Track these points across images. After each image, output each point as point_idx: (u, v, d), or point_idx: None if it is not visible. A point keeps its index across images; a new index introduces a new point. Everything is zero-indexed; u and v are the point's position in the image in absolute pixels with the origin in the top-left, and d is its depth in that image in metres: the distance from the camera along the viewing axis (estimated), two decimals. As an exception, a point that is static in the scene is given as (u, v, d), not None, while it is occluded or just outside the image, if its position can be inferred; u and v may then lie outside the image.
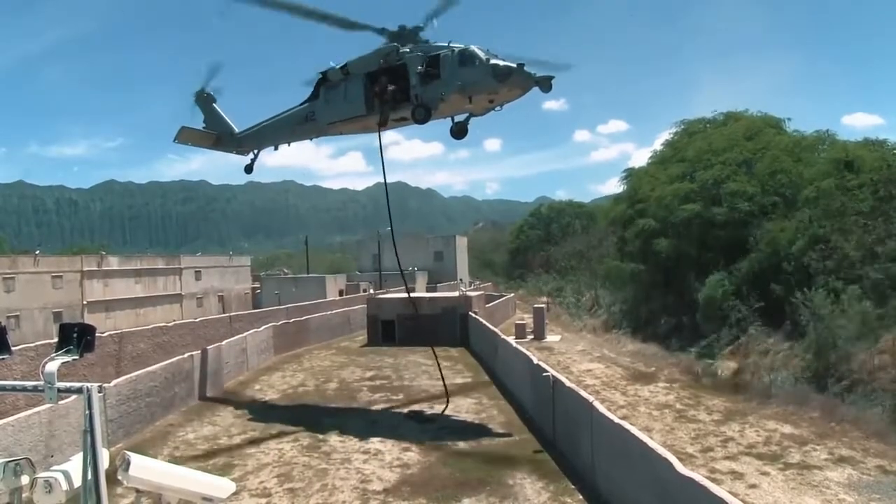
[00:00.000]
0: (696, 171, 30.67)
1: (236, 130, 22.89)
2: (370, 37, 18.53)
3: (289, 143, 22.00)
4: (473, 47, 17.03)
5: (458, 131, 19.30)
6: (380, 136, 19.47)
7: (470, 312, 32.62)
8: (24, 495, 4.53)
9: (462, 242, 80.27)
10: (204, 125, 23.11)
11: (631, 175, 39.67)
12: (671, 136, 38.84)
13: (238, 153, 23.35)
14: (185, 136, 22.50)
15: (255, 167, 23.18)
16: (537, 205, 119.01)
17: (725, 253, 27.20)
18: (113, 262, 56.49)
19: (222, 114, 23.27)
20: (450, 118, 18.99)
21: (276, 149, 22.61)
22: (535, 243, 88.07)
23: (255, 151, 22.90)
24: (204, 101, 23.08)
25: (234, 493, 6.30)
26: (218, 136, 22.97)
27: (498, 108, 17.71)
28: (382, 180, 20.81)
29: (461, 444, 15.73)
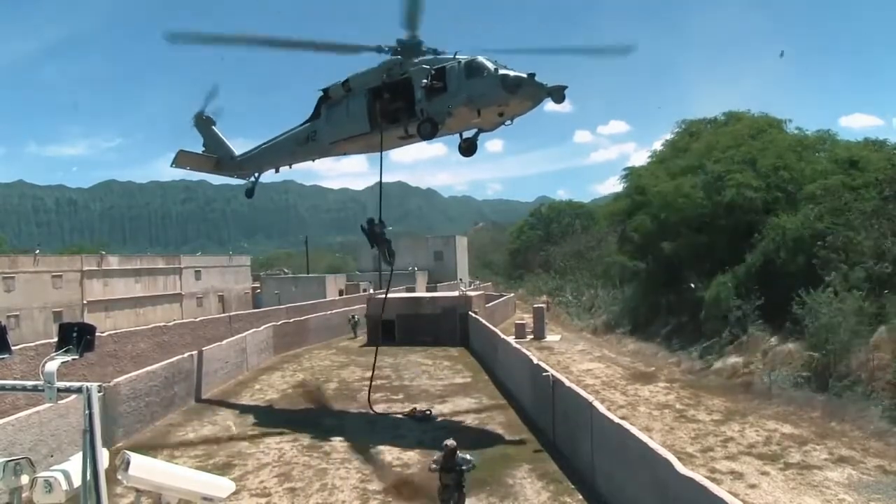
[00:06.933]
0: (701, 165, 30.62)
1: (236, 153, 22.42)
2: (376, 52, 17.82)
3: (290, 165, 21.51)
4: (481, 58, 16.19)
5: (467, 148, 18.46)
6: (381, 156, 18.70)
7: (470, 312, 32.61)
8: (24, 495, 4.53)
9: (462, 242, 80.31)
10: (203, 149, 22.73)
11: (631, 173, 39.66)
12: (672, 135, 38.85)
13: (238, 177, 22.94)
14: (184, 161, 22.01)
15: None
16: (537, 205, 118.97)
17: (728, 252, 27.14)
18: (113, 262, 56.46)
19: (222, 136, 22.82)
20: (458, 134, 18.22)
21: (276, 171, 22.05)
22: (535, 243, 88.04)
23: (256, 175, 22.42)
24: (203, 123, 22.66)
25: (233, 493, 6.30)
26: (218, 159, 22.55)
27: (508, 122, 16.77)
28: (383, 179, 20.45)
29: (461, 445, 15.58)
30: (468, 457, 10.44)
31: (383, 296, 23.16)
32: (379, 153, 19.07)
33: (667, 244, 30.66)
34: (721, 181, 28.18)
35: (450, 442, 10.39)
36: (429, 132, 16.97)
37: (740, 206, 27.08)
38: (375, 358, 20.90)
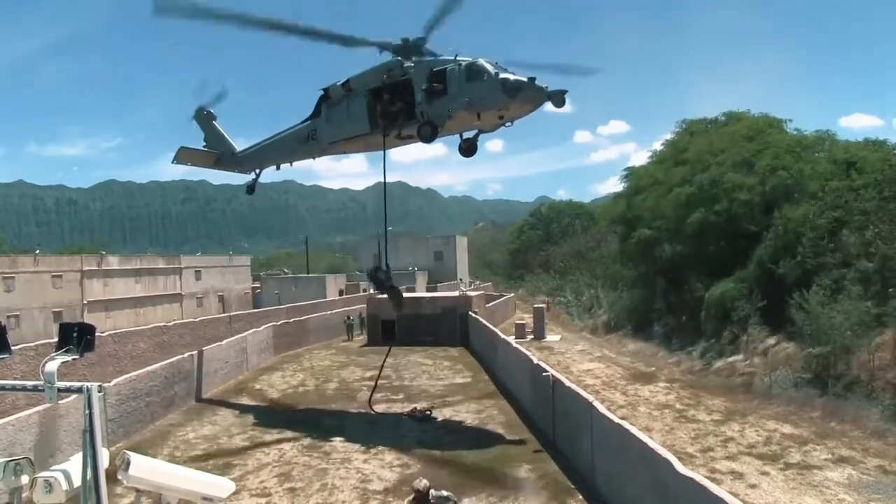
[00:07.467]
0: (695, 173, 30.65)
1: (237, 149, 22.36)
2: (377, 51, 17.51)
3: (290, 162, 21.42)
4: (481, 60, 16.10)
5: (467, 148, 18.41)
6: (384, 154, 18.64)
7: (470, 312, 32.62)
8: (24, 495, 4.52)
9: (462, 242, 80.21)
10: (204, 144, 22.65)
11: (631, 173, 39.68)
12: (672, 135, 38.87)
13: (240, 172, 22.89)
14: (185, 157, 21.91)
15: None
16: (537, 205, 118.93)
17: (729, 253, 27.15)
18: (113, 262, 56.41)
19: (223, 132, 22.75)
20: (458, 135, 18.17)
21: (277, 168, 21.98)
22: (535, 243, 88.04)
23: (257, 171, 22.37)
24: (204, 118, 22.58)
25: (233, 493, 6.30)
26: (218, 155, 22.49)
27: (508, 123, 16.69)
28: (382, 180, 20.38)
29: (461, 444, 15.73)
30: (444, 493, 8.67)
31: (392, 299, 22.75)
32: (378, 151, 19.06)
33: (667, 247, 30.68)
34: (716, 186, 28.22)
35: (420, 485, 8.54)
36: (429, 134, 16.90)
37: (737, 214, 27.14)
38: (386, 357, 20.81)
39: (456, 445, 15.65)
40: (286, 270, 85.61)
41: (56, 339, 4.59)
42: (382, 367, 20.61)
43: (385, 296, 19.60)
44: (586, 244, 63.30)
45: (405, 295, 39.36)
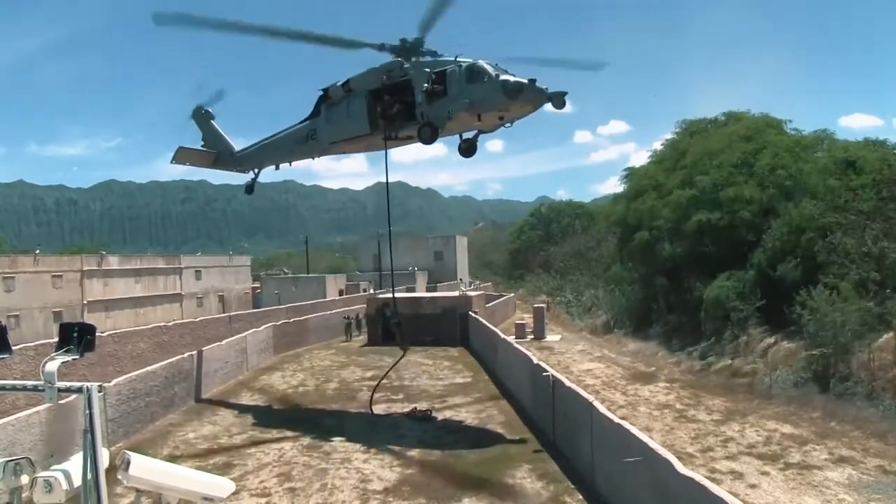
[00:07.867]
0: (694, 175, 30.63)
1: (236, 149, 22.34)
2: (377, 52, 17.48)
3: (290, 162, 21.39)
4: (482, 62, 16.12)
5: (467, 148, 18.43)
6: (386, 154, 18.72)
7: (470, 312, 32.62)
8: (24, 495, 4.52)
9: (462, 242, 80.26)
10: (202, 143, 22.62)
11: (631, 174, 39.69)
12: (672, 135, 38.86)
13: (238, 172, 22.88)
14: (183, 157, 21.93)
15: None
16: (537, 205, 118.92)
17: (730, 253, 27.16)
18: (113, 262, 56.41)
19: (221, 131, 22.72)
20: (458, 135, 18.20)
21: (276, 168, 21.95)
22: (535, 243, 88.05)
23: (256, 171, 22.35)
24: (202, 118, 22.55)
25: (233, 493, 6.30)
26: (217, 155, 22.47)
27: (508, 124, 16.72)
28: (382, 180, 20.30)
29: (461, 444, 15.74)
30: None
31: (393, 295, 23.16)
32: (377, 151, 19.10)
33: (667, 246, 30.68)
34: (715, 191, 28.20)
35: None
36: (429, 136, 16.91)
37: (736, 225, 27.19)
38: (399, 359, 20.43)
39: (456, 445, 15.66)
40: (286, 270, 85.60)
41: (56, 339, 4.58)
42: (392, 367, 20.50)
43: (386, 295, 20.00)
44: (586, 244, 63.35)
45: (405, 295, 39.71)
